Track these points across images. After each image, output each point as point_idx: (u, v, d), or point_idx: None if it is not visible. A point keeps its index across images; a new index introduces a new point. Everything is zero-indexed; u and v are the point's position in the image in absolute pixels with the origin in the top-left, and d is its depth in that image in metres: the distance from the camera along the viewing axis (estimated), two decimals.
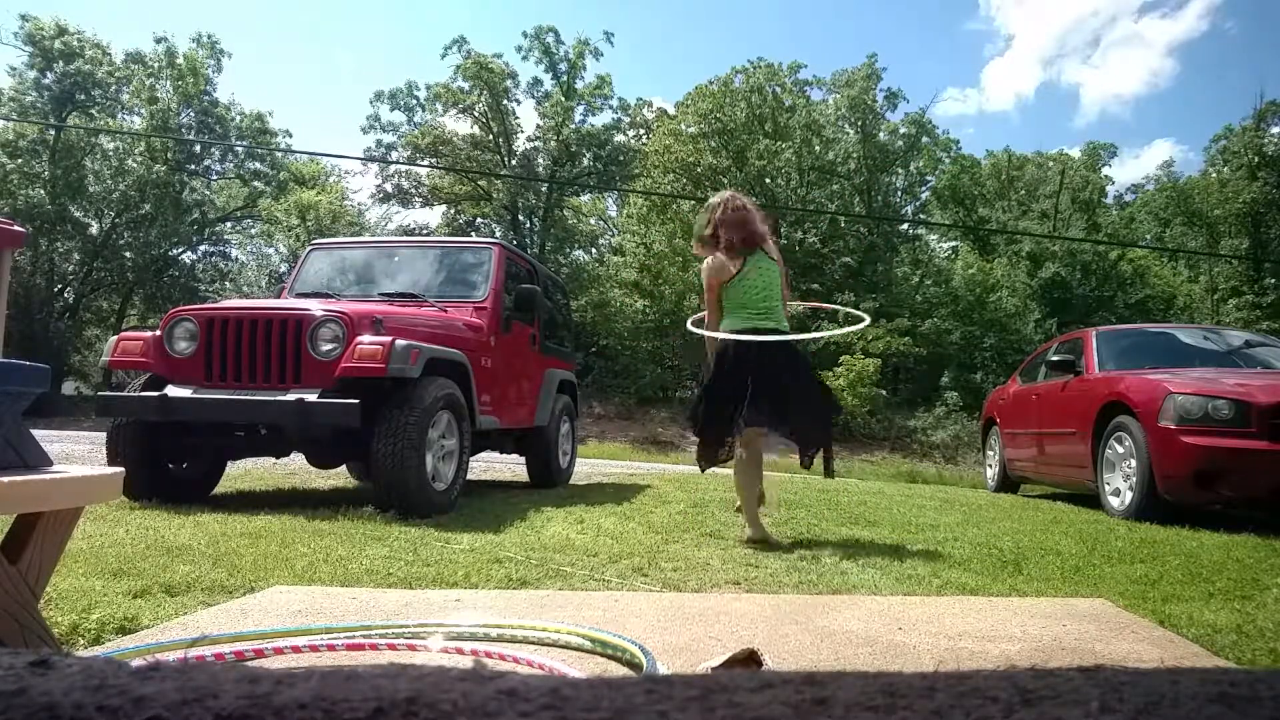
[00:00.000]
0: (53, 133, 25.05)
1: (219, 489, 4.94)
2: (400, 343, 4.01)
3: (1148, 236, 30.26)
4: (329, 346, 4.08)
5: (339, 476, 6.18)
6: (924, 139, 29.20)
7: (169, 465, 4.52)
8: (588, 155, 30.27)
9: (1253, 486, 4.56)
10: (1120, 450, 5.17)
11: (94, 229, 26.36)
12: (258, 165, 30.25)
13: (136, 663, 0.30)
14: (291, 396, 3.94)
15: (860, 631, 2.12)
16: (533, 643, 1.92)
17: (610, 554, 3.23)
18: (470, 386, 4.73)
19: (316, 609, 2.20)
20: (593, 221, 34.01)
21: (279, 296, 5.89)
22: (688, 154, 26.88)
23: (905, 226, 29.22)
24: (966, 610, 2.38)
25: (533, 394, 6.01)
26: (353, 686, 0.27)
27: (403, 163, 30.42)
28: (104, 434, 4.57)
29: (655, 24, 63.30)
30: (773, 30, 60.96)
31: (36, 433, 1.71)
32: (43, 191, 24.00)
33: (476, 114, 30.19)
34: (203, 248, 29.97)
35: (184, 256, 29.29)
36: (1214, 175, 28.39)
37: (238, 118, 29.72)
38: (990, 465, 8.16)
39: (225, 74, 47.84)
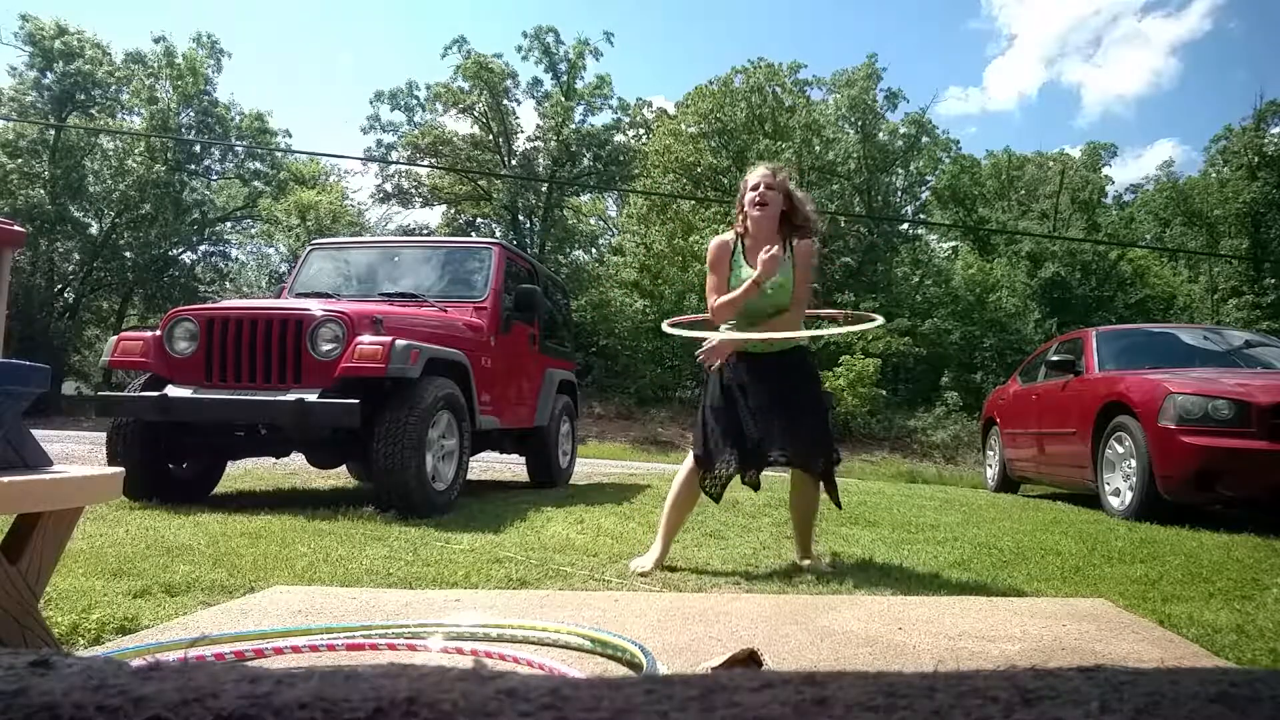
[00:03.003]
0: (53, 133, 25.04)
1: (219, 489, 4.93)
2: (400, 343, 4.01)
3: (1148, 236, 30.24)
4: (329, 346, 4.08)
5: (339, 476, 6.18)
6: (924, 139, 29.19)
7: (169, 465, 4.52)
8: (588, 155, 30.24)
9: (1253, 486, 4.56)
10: (1120, 450, 5.17)
11: (94, 229, 26.34)
12: (258, 165, 30.24)
13: (136, 663, 0.30)
14: (291, 396, 3.94)
15: (860, 631, 2.11)
16: (533, 643, 1.92)
17: (610, 554, 3.23)
18: (470, 386, 4.73)
19: (316, 609, 2.20)
20: (593, 221, 34.00)
21: (279, 296, 5.89)
22: (688, 154, 26.88)
23: (905, 226, 29.22)
24: (966, 610, 2.38)
25: (533, 394, 6.00)
26: (353, 686, 0.27)
27: (403, 163, 30.43)
28: (104, 434, 4.57)
29: (655, 24, 63.30)
30: (773, 30, 60.94)
31: (36, 433, 1.71)
32: (43, 191, 23.98)
33: (476, 114, 30.18)
34: (203, 248, 29.95)
35: (184, 256, 29.27)
36: (1214, 175, 28.39)
37: (238, 118, 29.71)
38: (990, 465, 8.16)
39: (225, 74, 47.85)
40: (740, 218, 3.05)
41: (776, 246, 2.83)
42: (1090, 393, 5.72)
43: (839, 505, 3.18)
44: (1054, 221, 28.01)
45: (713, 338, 3.00)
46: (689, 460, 3.07)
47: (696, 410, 3.18)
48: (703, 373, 3.12)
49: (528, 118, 47.80)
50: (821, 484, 3.06)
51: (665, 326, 3.42)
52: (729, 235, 3.06)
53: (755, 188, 2.98)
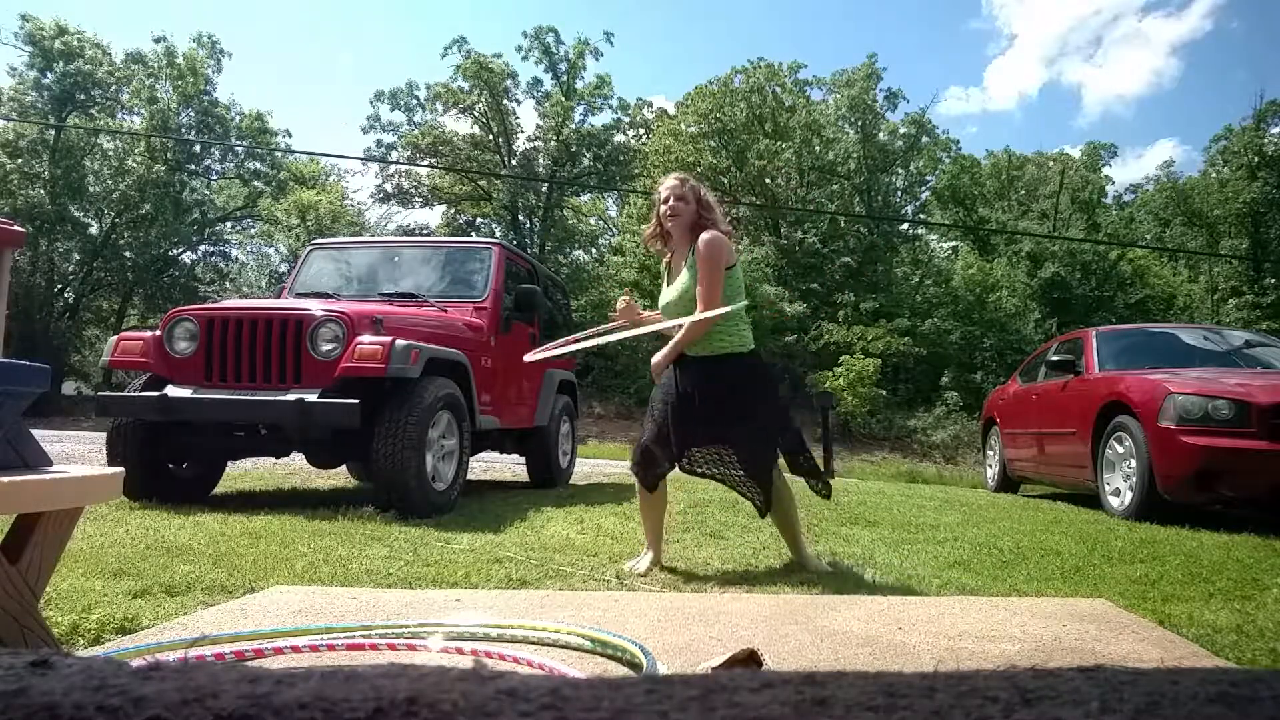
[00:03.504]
0: (53, 133, 25.04)
1: (219, 489, 4.93)
2: (400, 343, 4.01)
3: (1148, 236, 30.25)
4: (329, 346, 4.08)
5: (339, 476, 6.18)
6: (924, 139, 29.21)
7: (169, 465, 4.52)
8: (588, 155, 30.26)
9: (1253, 486, 4.56)
10: (1120, 450, 5.17)
11: (94, 229, 26.35)
12: (258, 165, 30.24)
13: (136, 663, 0.30)
14: (291, 396, 3.94)
15: (860, 631, 2.11)
16: (533, 643, 1.92)
17: (610, 554, 3.23)
18: (470, 386, 4.73)
19: (316, 609, 2.20)
20: (593, 221, 34.01)
21: (279, 296, 5.89)
22: (688, 154, 26.89)
23: (905, 226, 29.23)
24: (966, 610, 2.38)
25: (533, 394, 6.00)
26: (353, 686, 0.27)
27: (403, 163, 30.44)
28: (104, 434, 4.57)
29: (655, 24, 63.33)
30: (773, 30, 60.96)
31: (36, 433, 1.71)
32: (43, 191, 23.98)
33: (476, 114, 30.19)
34: (203, 248, 29.96)
35: (184, 256, 29.28)
36: (1214, 175, 28.40)
37: (238, 118, 29.72)
38: (990, 465, 8.16)
39: (225, 74, 47.90)
40: (657, 231, 3.07)
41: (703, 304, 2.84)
42: (1090, 393, 5.72)
43: (762, 511, 3.01)
44: (1054, 221, 28.01)
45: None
46: None
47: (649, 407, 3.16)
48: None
49: (528, 118, 47.84)
50: (803, 477, 3.11)
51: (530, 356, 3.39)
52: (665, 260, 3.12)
53: (665, 200, 2.99)
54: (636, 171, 28.85)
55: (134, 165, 25.78)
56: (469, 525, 3.83)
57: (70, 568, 2.49)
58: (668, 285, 3.09)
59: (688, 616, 2.22)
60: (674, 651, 1.89)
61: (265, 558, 2.86)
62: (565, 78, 30.97)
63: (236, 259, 31.93)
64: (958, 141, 31.35)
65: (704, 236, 2.90)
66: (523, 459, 6.51)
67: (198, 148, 28.48)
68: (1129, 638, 2.12)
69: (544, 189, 29.75)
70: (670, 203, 2.97)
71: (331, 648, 1.82)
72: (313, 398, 3.93)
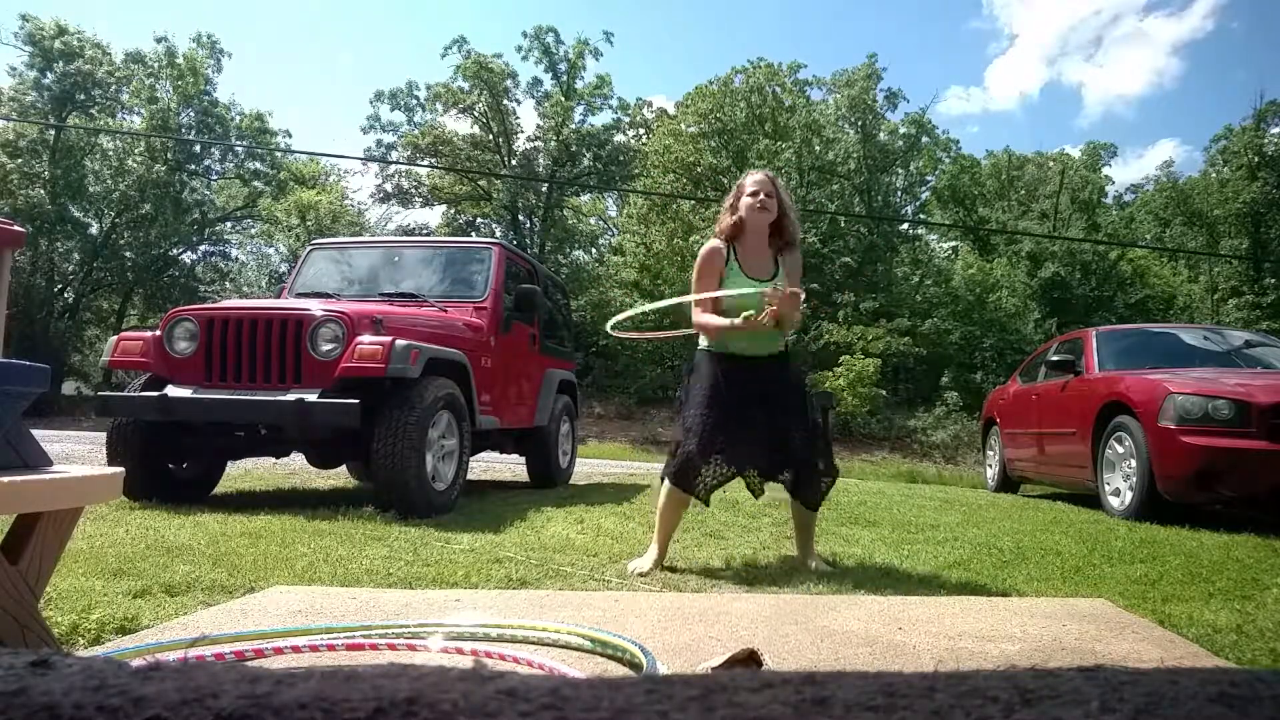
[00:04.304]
0: (53, 133, 25.04)
1: (219, 489, 4.93)
2: (400, 343, 4.01)
3: (1147, 236, 30.23)
4: (329, 346, 4.08)
5: (339, 476, 6.18)
6: (924, 139, 29.20)
7: (169, 465, 4.52)
8: (588, 155, 30.26)
9: (1253, 486, 4.56)
10: (1120, 450, 5.17)
11: (94, 229, 26.36)
12: (258, 165, 30.25)
13: (136, 663, 0.30)
14: (291, 396, 3.94)
15: (860, 631, 2.11)
16: (533, 643, 1.92)
17: (610, 554, 3.23)
18: (470, 386, 4.73)
19: (316, 609, 2.20)
20: (593, 221, 34.01)
21: (279, 296, 5.89)
22: (688, 154, 26.88)
23: (905, 226, 29.22)
24: (966, 610, 2.38)
25: (533, 394, 6.00)
26: (353, 686, 0.27)
27: (403, 163, 30.44)
28: (104, 434, 4.57)
29: (655, 24, 63.34)
30: (773, 30, 60.97)
31: (36, 433, 1.71)
32: (43, 191, 23.98)
33: (476, 114, 30.20)
34: (203, 248, 29.97)
35: (184, 256, 29.29)
36: (1214, 175, 28.40)
37: (238, 118, 29.72)
38: (990, 465, 8.16)
39: (225, 74, 47.92)
40: (730, 218, 3.07)
41: (801, 292, 2.95)
42: (1090, 393, 5.72)
43: (815, 504, 3.10)
44: (1054, 221, 28.01)
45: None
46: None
47: (678, 413, 3.15)
48: (685, 379, 3.15)
49: (528, 118, 47.81)
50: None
51: (609, 328, 3.67)
52: (718, 242, 3.05)
53: (755, 194, 3.03)
54: (636, 171, 28.84)
55: (134, 165, 25.78)
56: (469, 525, 3.83)
57: (70, 568, 2.49)
58: (742, 274, 3.03)
59: (688, 616, 2.22)
60: (674, 651, 1.89)
61: (265, 558, 2.86)
62: (565, 78, 30.97)
63: (236, 259, 31.97)
64: (958, 141, 31.36)
65: (798, 257, 3.16)
66: (523, 459, 6.51)
67: (198, 148, 28.48)
68: (1129, 638, 2.12)
69: (544, 189, 29.75)
70: (762, 198, 3.02)
71: (331, 648, 1.82)
72: (313, 398, 3.93)
